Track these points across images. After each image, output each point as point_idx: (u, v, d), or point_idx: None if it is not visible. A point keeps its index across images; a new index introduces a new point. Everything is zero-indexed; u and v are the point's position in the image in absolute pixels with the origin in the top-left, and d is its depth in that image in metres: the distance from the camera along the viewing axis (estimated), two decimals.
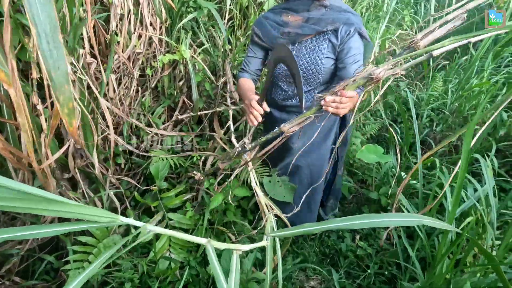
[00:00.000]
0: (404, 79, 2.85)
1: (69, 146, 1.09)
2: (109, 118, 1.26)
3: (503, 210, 1.44)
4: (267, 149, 1.08)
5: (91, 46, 1.27)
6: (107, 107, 1.32)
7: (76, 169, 1.18)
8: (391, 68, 0.80)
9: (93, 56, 1.26)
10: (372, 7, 2.91)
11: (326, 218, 1.64)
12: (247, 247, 0.64)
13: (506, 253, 0.89)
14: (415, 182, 1.54)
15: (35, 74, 0.95)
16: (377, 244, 1.56)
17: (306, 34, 1.12)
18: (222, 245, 0.63)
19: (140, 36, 1.67)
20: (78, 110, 1.07)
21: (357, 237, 1.63)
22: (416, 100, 2.47)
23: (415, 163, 2.00)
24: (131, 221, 0.57)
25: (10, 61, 0.74)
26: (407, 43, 0.89)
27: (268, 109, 1.16)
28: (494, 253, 0.90)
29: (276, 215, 1.19)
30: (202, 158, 1.63)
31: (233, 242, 1.49)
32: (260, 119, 1.08)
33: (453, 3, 2.58)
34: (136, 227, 1.29)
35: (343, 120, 1.38)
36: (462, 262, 0.90)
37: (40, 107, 0.99)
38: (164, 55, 1.55)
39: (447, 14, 0.93)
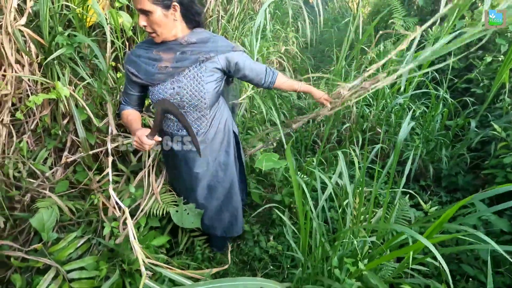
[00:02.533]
0: None
1: None
2: None
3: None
4: None
5: None
6: None
7: None
8: None
9: None
10: (258, 29, 3.22)
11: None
12: None
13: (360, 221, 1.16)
14: (307, 178, 1.78)
15: None
16: (287, 240, 1.73)
17: (185, 66, 1.20)
18: None
19: (4, 76, 1.50)
20: None
21: (271, 237, 1.78)
22: (304, 106, 2.84)
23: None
24: None
25: None
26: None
27: (160, 139, 1.19)
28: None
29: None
30: (103, 195, 1.54)
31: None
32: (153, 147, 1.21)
33: (321, 24, 3.06)
34: None
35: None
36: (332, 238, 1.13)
37: None
38: (37, 94, 1.42)
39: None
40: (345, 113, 2.62)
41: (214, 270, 1.31)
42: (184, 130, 1.33)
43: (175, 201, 1.56)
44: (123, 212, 1.41)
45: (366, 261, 0.96)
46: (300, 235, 1.06)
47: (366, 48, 3.01)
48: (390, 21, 3.59)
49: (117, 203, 1.33)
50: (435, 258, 0.87)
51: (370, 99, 2.43)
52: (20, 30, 1.50)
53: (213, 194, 1.51)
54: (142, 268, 1.04)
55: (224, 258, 1.65)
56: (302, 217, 0.97)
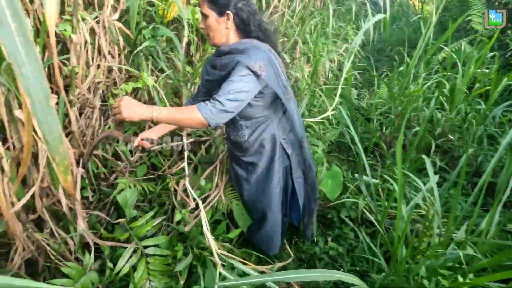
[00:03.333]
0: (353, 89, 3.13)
1: (35, 187, 1.06)
2: (71, 153, 1.24)
3: (446, 196, 1.65)
4: None
5: (50, 81, 1.25)
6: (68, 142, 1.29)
7: (44, 209, 1.14)
8: None
9: (52, 91, 1.24)
10: (320, 24, 3.17)
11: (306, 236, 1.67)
12: None
13: (450, 238, 1.06)
14: (377, 181, 1.71)
15: None
16: (347, 243, 1.68)
17: (214, 80, 1.24)
18: None
19: (99, 66, 1.66)
20: (43, 147, 1.05)
21: (329, 239, 1.74)
22: (365, 106, 2.72)
23: (371, 165, 2.20)
24: None
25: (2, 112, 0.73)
26: None
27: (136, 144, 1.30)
28: (441, 238, 1.06)
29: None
30: (174, 181, 1.64)
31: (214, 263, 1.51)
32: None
33: (387, 18, 2.91)
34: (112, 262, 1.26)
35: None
36: (418, 250, 1.05)
37: (1, 149, 0.96)
38: (126, 82, 1.56)
39: None
40: (412, 117, 2.46)
41: (279, 265, 1.32)
42: None
43: (237, 197, 1.61)
44: (196, 205, 1.48)
45: (471, 275, 0.88)
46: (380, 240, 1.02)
47: (444, 47, 2.78)
48: (467, 18, 3.26)
49: (188, 194, 1.41)
50: None
51: (444, 102, 2.24)
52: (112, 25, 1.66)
53: (251, 208, 1.53)
54: (216, 258, 1.07)
55: (283, 253, 1.66)
56: (399, 225, 0.93)
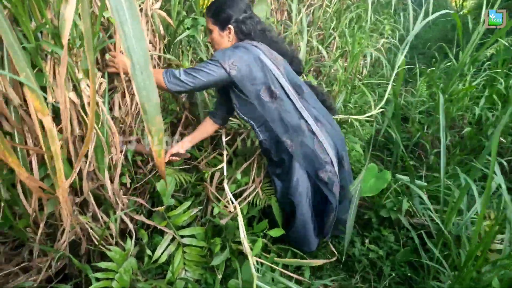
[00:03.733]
0: None
1: (83, 169, 1.07)
2: (117, 139, 1.24)
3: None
4: None
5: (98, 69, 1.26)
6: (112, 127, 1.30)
7: (89, 193, 1.15)
8: None
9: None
10: (356, 18, 3.05)
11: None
12: None
13: None
14: (425, 184, 1.60)
15: (50, 98, 0.94)
16: (387, 246, 1.59)
17: None
18: None
19: None
20: (94, 132, 1.05)
21: (366, 241, 1.66)
22: (406, 104, 2.58)
23: (413, 165, 2.08)
24: None
25: (64, 93, 0.74)
26: None
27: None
28: None
29: None
30: (210, 173, 1.62)
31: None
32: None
33: (429, 14, 2.76)
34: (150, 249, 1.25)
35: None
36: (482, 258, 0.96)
37: (55, 131, 0.97)
38: None
39: None
40: (456, 116, 2.30)
41: (318, 262, 1.25)
42: None
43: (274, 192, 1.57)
44: (234, 207, 1.45)
45: None
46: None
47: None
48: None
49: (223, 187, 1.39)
50: None
51: (498, 101, 2.08)
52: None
53: (281, 204, 1.50)
54: (253, 269, 1.02)
55: (319, 252, 1.60)
56: (479, 227, 0.84)
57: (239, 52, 1.21)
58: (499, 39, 2.24)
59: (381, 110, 1.90)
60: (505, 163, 1.66)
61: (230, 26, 1.26)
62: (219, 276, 1.21)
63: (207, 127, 1.52)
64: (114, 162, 1.26)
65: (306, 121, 1.31)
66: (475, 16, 4.25)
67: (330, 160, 1.33)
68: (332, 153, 1.34)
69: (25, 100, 0.98)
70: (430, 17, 1.89)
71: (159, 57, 1.76)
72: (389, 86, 1.94)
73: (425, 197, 1.36)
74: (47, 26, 0.77)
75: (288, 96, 1.30)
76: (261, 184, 1.59)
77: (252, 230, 1.46)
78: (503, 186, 0.98)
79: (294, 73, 1.38)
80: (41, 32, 0.87)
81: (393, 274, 1.43)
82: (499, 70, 2.24)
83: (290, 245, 1.55)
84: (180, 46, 1.75)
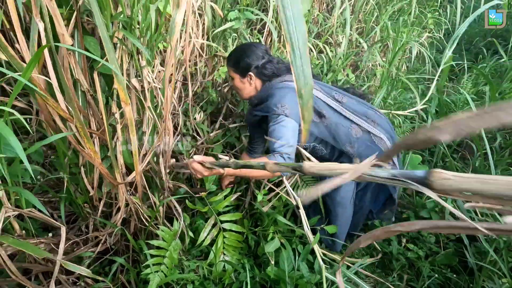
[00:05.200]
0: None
1: (149, 153, 1.14)
2: (170, 126, 1.30)
3: None
4: None
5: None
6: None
7: (142, 174, 1.22)
8: None
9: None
10: (398, 11, 2.93)
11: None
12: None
13: None
14: None
15: (116, 84, 1.00)
16: (426, 247, 1.56)
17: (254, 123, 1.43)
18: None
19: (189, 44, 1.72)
20: (151, 117, 1.11)
21: (404, 240, 1.63)
22: (450, 102, 2.46)
23: (456, 166, 2.00)
24: None
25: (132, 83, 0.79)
26: None
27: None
28: None
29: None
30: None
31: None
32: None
33: (481, 4, 2.59)
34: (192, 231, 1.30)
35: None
36: None
37: (118, 115, 1.03)
38: (206, 62, 1.59)
39: None
40: None
41: (369, 261, 1.25)
42: None
43: (314, 182, 1.57)
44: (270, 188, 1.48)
45: None
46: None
47: None
48: None
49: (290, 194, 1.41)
50: None
51: None
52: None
53: (326, 200, 1.50)
54: (321, 261, 1.02)
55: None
56: None
57: (280, 92, 1.26)
58: None
59: (424, 106, 1.83)
60: None
61: (250, 73, 1.32)
62: (272, 262, 1.25)
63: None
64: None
65: (358, 124, 1.33)
66: None
67: None
68: (390, 145, 1.35)
69: (91, 85, 1.05)
70: (482, 9, 1.77)
71: (201, 47, 1.80)
72: (434, 82, 1.86)
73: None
74: (122, 15, 0.82)
75: (333, 109, 1.33)
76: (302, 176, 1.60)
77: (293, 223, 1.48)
78: None
79: (325, 85, 1.43)
80: (112, 22, 0.93)
81: (435, 275, 1.40)
82: None
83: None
84: (226, 36, 1.78)
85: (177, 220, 1.29)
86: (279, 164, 0.71)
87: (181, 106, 1.81)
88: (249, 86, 1.35)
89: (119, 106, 1.04)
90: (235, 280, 1.39)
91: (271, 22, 1.96)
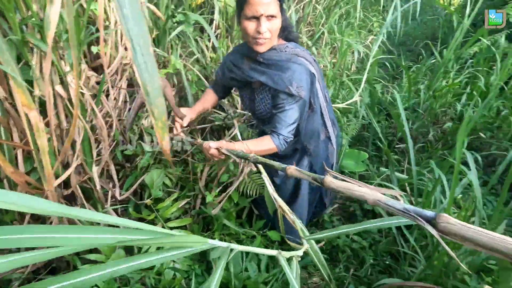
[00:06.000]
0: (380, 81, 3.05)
1: (74, 163, 1.07)
2: (105, 132, 1.25)
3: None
4: None
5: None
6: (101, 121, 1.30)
7: (77, 186, 1.16)
8: None
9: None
10: (345, 15, 3.08)
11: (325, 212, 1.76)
12: (300, 252, 0.69)
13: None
14: (405, 177, 1.67)
15: (37, 92, 0.94)
16: (370, 237, 1.66)
17: (242, 81, 1.25)
18: (288, 254, 0.66)
19: (126, 48, 1.66)
20: (80, 125, 1.06)
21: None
22: (392, 100, 2.65)
23: (396, 159, 2.15)
24: (218, 242, 0.57)
25: (48, 88, 0.74)
26: None
27: (184, 124, 1.28)
28: None
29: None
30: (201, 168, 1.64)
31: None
32: (179, 128, 1.29)
33: (417, 13, 2.81)
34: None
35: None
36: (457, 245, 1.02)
37: (42, 125, 0.97)
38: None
39: None
40: (439, 112, 2.38)
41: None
42: None
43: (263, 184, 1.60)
44: (221, 190, 1.48)
45: None
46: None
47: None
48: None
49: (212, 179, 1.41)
50: None
51: (478, 98, 2.15)
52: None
53: (279, 191, 1.52)
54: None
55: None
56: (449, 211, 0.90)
57: (298, 70, 1.12)
58: (481, 38, 2.31)
59: (359, 98, 1.95)
60: (479, 158, 1.73)
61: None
62: (215, 267, 1.24)
63: (209, 97, 1.43)
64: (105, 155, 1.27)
65: (327, 129, 1.39)
66: (463, 14, 4.34)
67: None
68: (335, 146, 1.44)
69: (11, 94, 0.98)
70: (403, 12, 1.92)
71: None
72: (365, 75, 2.00)
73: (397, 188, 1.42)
74: (33, 19, 0.77)
75: (320, 107, 1.31)
76: (249, 174, 1.62)
77: (243, 224, 1.49)
78: (474, 179, 1.04)
79: (322, 79, 1.33)
80: (26, 24, 0.87)
81: (374, 263, 1.49)
82: (481, 68, 2.32)
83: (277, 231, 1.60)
84: (170, 41, 1.75)
85: None
86: (301, 172, 0.72)
87: (125, 112, 1.74)
88: (276, 34, 1.10)
89: (42, 115, 0.98)
90: (186, 286, 1.37)
91: (221, 24, 1.96)
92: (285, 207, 0.80)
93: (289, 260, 0.65)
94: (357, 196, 0.58)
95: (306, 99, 1.15)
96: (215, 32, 1.97)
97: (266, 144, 1.14)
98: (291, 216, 0.78)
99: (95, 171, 1.15)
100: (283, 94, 1.12)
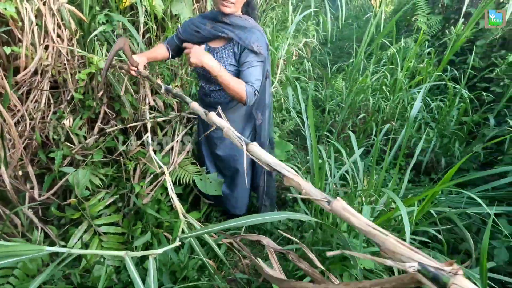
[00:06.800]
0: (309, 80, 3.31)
1: None
2: (14, 133, 1.24)
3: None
4: None
5: None
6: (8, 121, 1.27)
7: None
8: None
9: None
10: (277, 18, 3.29)
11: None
12: (160, 251, 0.73)
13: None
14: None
15: None
16: (297, 220, 1.82)
17: (206, 36, 1.38)
18: (138, 254, 0.71)
19: (46, 48, 1.64)
20: None
21: None
22: (321, 97, 2.90)
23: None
24: (55, 249, 0.62)
25: None
26: None
27: (141, 68, 1.40)
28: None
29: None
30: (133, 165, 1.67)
31: (168, 240, 1.57)
32: (133, 73, 1.40)
33: (342, 17, 3.10)
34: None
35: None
36: None
37: None
38: (79, 69, 1.56)
39: None
40: (361, 105, 2.67)
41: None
42: (209, 97, 1.51)
43: (199, 171, 1.68)
44: (152, 180, 1.53)
45: None
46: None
47: (388, 43, 3.03)
48: (413, 18, 3.57)
49: (157, 162, 1.46)
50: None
51: (387, 92, 2.47)
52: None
53: (224, 165, 1.66)
54: (181, 216, 1.10)
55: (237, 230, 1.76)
56: (318, 180, 1.06)
57: (260, 35, 1.32)
58: (387, 43, 2.66)
59: (274, 89, 2.13)
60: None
61: None
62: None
63: (160, 51, 1.54)
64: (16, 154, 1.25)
65: (268, 103, 1.56)
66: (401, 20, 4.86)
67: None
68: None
69: None
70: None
71: (71, 51, 1.74)
72: (278, 70, 2.19)
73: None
74: None
75: (267, 78, 1.48)
76: (182, 164, 1.68)
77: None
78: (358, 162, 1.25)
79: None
80: None
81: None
82: (393, 66, 2.66)
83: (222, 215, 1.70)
84: (94, 42, 1.75)
85: (37, 230, 1.23)
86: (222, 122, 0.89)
87: (49, 113, 1.71)
88: (241, 4, 1.30)
89: None
90: (117, 281, 1.40)
91: (150, 27, 2.00)
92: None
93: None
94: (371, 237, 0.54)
95: (266, 58, 1.33)
96: (144, 35, 2.00)
97: (238, 83, 1.23)
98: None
99: (3, 171, 1.13)
100: (249, 52, 1.29)
